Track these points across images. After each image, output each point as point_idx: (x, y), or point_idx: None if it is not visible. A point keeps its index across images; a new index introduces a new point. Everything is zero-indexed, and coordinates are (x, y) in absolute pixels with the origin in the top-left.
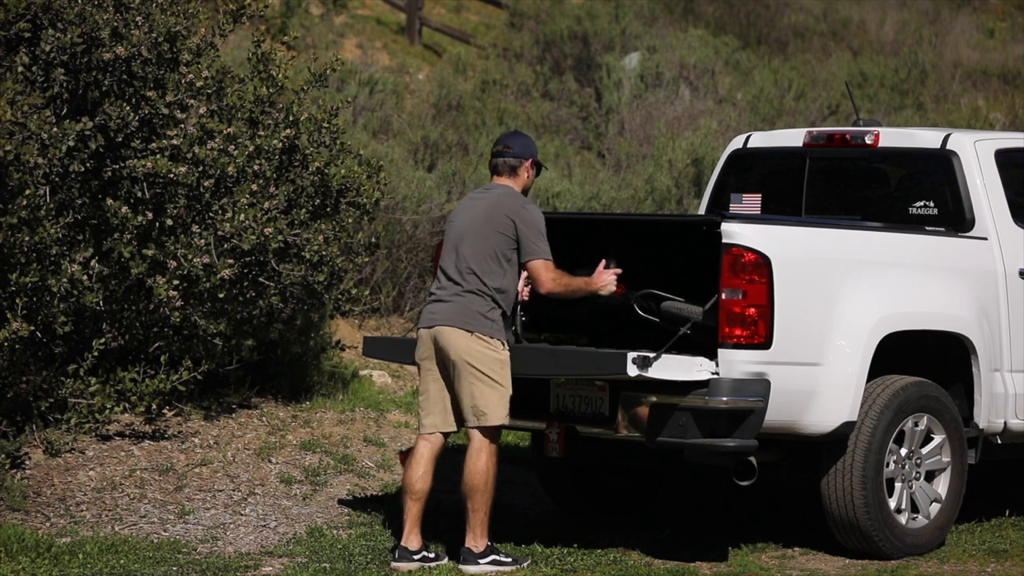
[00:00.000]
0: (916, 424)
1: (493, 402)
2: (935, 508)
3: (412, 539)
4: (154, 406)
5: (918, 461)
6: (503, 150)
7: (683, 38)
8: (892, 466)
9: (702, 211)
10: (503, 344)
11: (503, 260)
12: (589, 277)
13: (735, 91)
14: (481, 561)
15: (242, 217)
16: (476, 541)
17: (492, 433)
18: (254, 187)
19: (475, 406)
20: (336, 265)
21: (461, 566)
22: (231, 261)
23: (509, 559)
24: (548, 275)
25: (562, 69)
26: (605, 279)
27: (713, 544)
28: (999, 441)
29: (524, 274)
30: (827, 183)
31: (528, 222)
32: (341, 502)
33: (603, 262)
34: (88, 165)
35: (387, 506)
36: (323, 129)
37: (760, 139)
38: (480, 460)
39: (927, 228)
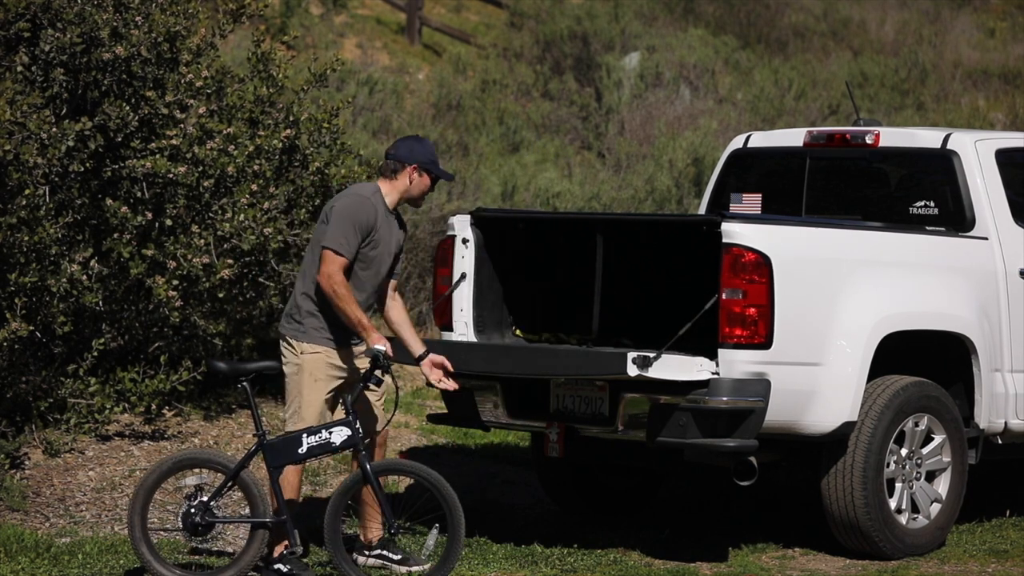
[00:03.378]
0: (916, 424)
1: (288, 410)
2: (935, 508)
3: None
4: (154, 406)
5: (918, 461)
6: (387, 151)
7: (683, 38)
8: (892, 466)
9: (702, 211)
10: (305, 350)
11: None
12: (369, 325)
13: (735, 91)
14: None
15: (242, 217)
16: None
17: None
18: (254, 187)
19: None
20: None
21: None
22: (231, 261)
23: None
24: (326, 268)
25: (562, 69)
26: (377, 345)
27: (713, 544)
28: (999, 441)
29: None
30: (827, 183)
31: (336, 212)
32: None
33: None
34: (87, 165)
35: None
36: (323, 129)
37: (760, 139)
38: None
39: (927, 228)
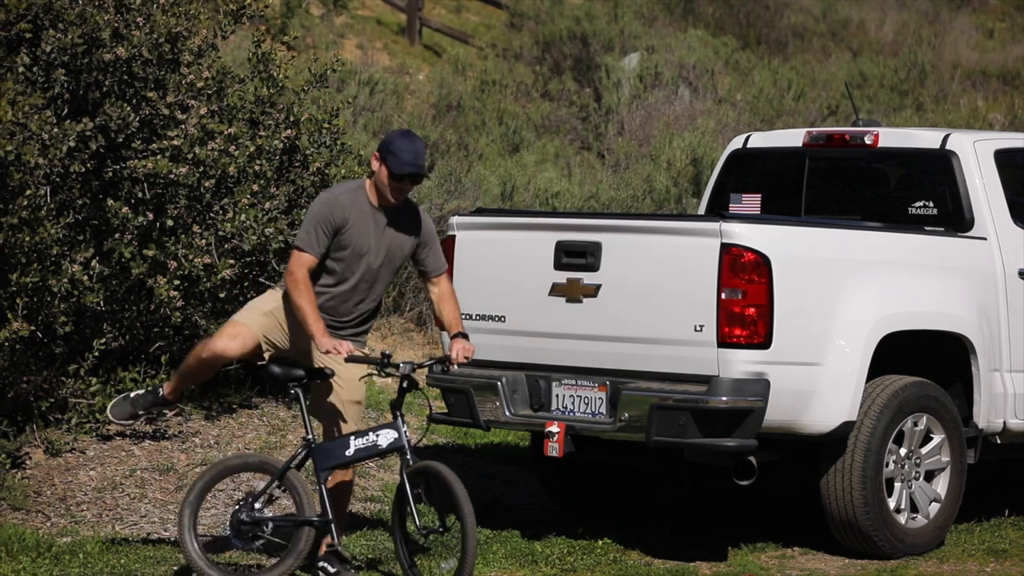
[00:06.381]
0: (915, 424)
1: None
2: (934, 508)
3: None
4: None
5: (917, 461)
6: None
7: (682, 38)
8: (891, 466)
9: (701, 211)
10: None
11: None
12: (325, 331)
13: (734, 91)
14: None
15: (243, 217)
16: None
17: None
18: (255, 187)
19: None
20: None
21: None
22: (232, 261)
23: None
24: (290, 264)
25: (562, 69)
26: (334, 346)
27: (713, 544)
28: (998, 441)
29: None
30: (827, 183)
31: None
32: None
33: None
34: (89, 166)
35: (387, 506)
36: (324, 129)
37: (760, 139)
38: None
39: (926, 228)
